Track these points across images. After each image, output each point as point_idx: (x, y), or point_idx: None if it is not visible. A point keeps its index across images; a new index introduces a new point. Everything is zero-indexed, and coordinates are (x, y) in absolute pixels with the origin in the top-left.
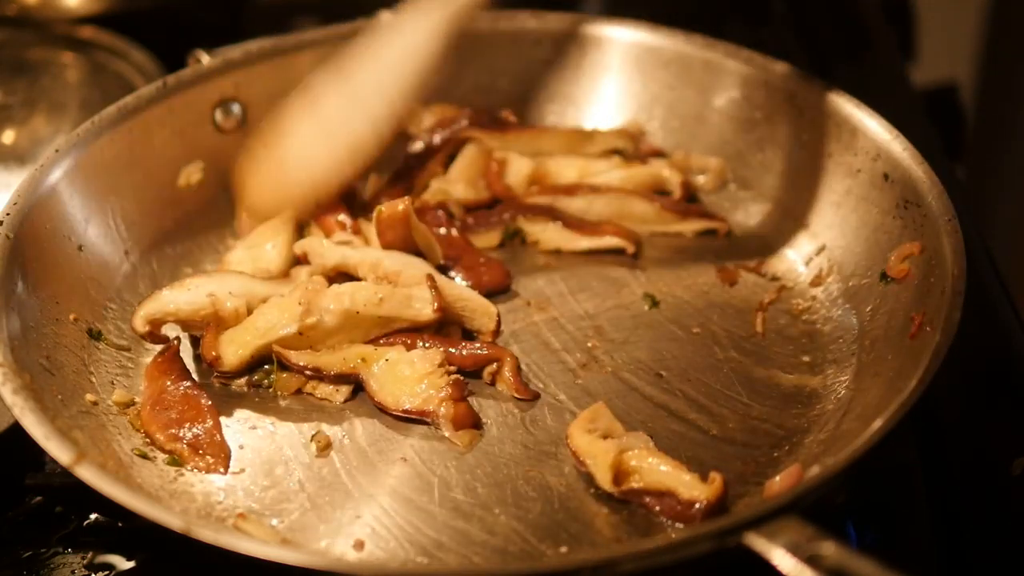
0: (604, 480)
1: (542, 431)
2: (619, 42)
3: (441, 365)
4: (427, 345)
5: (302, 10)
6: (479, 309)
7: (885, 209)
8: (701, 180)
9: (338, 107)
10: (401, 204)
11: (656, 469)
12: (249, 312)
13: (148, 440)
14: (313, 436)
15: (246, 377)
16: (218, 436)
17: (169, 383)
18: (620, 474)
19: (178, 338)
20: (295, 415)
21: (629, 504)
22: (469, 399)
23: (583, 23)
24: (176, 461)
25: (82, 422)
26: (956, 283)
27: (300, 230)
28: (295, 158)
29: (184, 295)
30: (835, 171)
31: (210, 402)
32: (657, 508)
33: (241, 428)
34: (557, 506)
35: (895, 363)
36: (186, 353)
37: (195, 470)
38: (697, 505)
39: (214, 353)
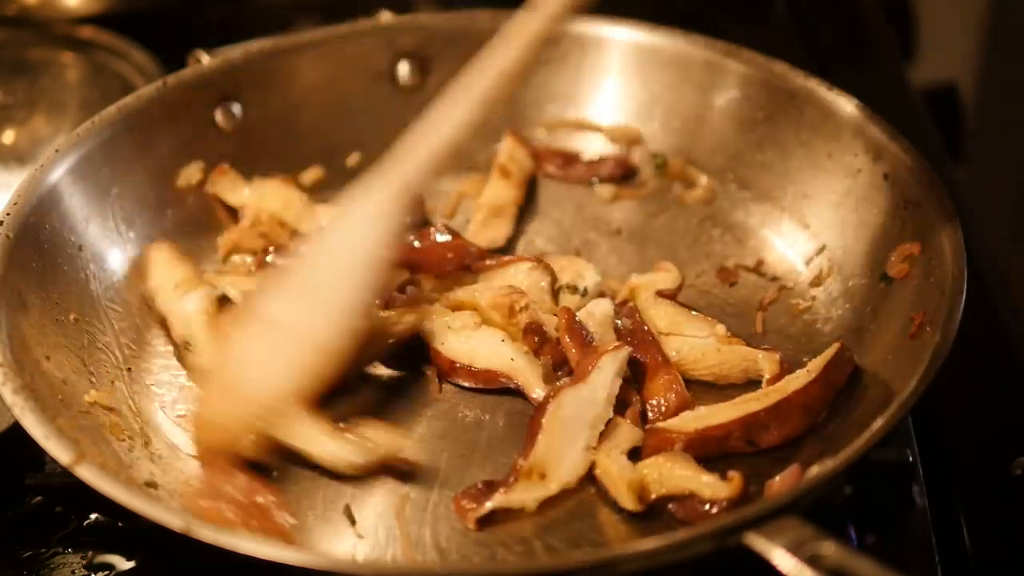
0: (629, 502)
1: None
2: (619, 42)
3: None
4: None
5: (302, 10)
6: None
7: (885, 209)
8: (691, 193)
9: (289, 307)
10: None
11: (677, 473)
12: None
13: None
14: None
15: None
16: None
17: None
18: (642, 489)
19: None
20: None
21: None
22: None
23: (583, 23)
24: None
25: (82, 422)
26: (956, 283)
27: None
28: (245, 374)
29: None
30: (835, 171)
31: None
32: (681, 513)
33: None
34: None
35: (895, 363)
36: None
37: None
38: (721, 504)
39: None
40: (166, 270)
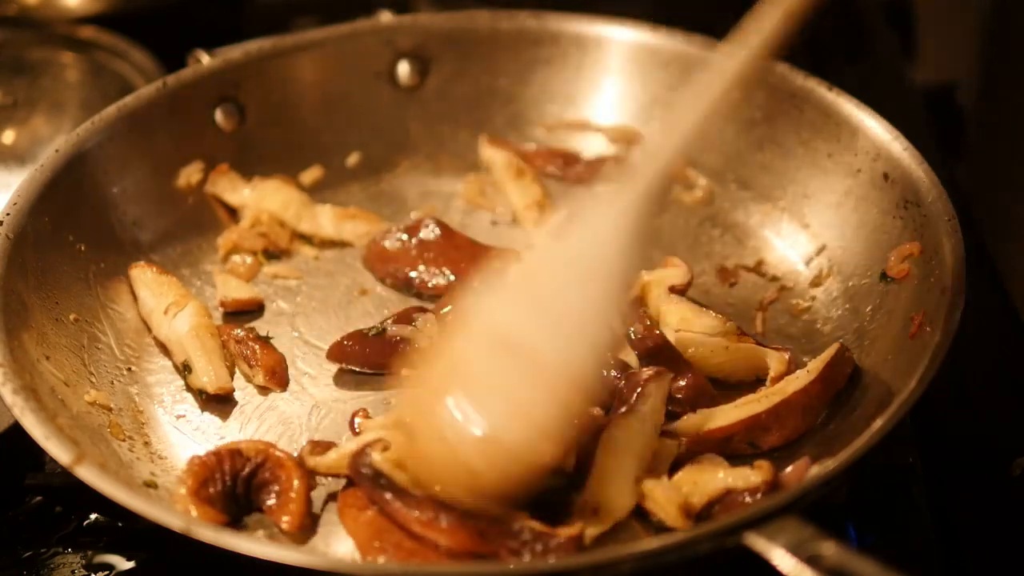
0: (678, 521)
1: None
2: (619, 42)
3: None
4: None
5: (302, 10)
6: None
7: (885, 209)
8: (691, 193)
9: (528, 325)
10: None
11: (708, 477)
12: None
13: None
14: None
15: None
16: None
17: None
18: (686, 505)
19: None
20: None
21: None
22: None
23: (583, 23)
24: None
25: (82, 422)
26: (956, 283)
27: None
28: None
29: None
30: (835, 171)
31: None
32: (722, 512)
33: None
34: None
35: (895, 363)
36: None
37: None
38: (760, 490)
39: None
40: (154, 294)
